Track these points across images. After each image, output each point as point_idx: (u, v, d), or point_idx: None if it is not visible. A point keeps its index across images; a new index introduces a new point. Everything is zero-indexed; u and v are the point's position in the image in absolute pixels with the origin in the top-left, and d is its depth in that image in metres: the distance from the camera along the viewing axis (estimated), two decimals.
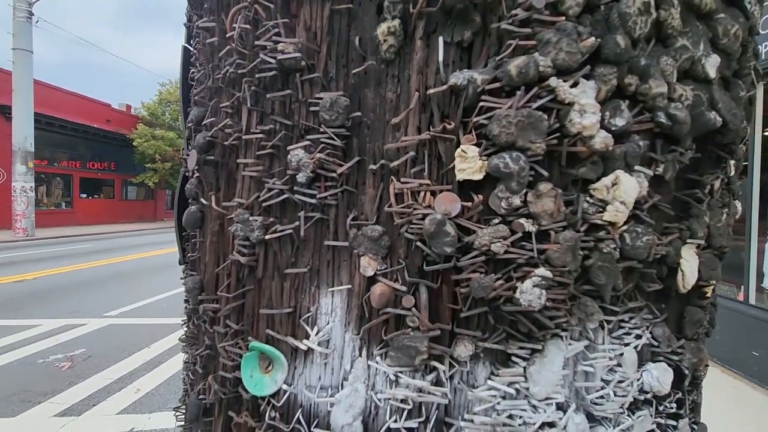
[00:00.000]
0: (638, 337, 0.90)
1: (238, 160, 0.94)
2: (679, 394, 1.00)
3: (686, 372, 0.98)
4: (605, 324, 0.88)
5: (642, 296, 0.91)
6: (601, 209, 0.81)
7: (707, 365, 1.06)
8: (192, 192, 1.10)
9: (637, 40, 0.79)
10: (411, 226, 0.79)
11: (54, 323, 6.34)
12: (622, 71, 0.80)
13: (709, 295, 1.05)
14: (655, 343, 0.94)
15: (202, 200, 1.07)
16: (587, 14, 0.79)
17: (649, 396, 0.93)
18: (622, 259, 0.84)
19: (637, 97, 0.83)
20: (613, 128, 0.80)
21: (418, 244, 0.79)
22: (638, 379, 0.92)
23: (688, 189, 0.96)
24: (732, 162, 1.05)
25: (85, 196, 25.38)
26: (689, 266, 0.93)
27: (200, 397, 1.06)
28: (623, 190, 0.79)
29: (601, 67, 0.79)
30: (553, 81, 0.74)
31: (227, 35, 0.94)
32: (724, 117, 0.88)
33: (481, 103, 0.77)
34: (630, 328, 0.89)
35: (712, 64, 0.86)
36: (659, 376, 0.92)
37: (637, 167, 0.82)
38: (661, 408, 0.96)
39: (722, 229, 0.99)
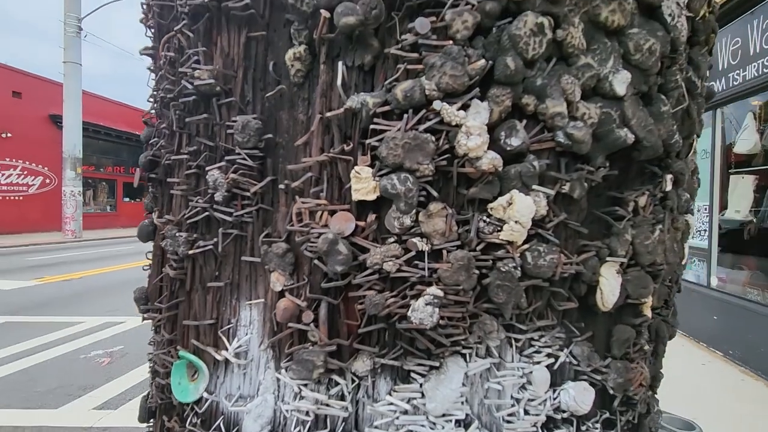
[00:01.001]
0: (550, 355, 0.90)
1: (168, 179, 1.01)
2: (607, 414, 0.98)
3: (612, 392, 0.96)
4: (513, 342, 0.88)
5: (555, 315, 0.90)
6: (498, 228, 0.81)
7: (644, 385, 1.04)
8: (147, 206, 1.18)
9: (533, 60, 0.80)
10: (309, 244, 0.83)
11: (95, 321, 6.77)
12: (517, 92, 0.80)
13: (645, 313, 1.03)
14: (575, 362, 0.93)
15: (153, 215, 1.14)
16: (481, 36, 0.80)
17: (566, 415, 0.92)
18: (526, 278, 0.84)
19: (538, 116, 0.83)
20: (509, 148, 0.80)
21: (316, 262, 0.83)
22: (554, 398, 0.91)
23: (611, 206, 0.95)
24: (668, 176, 1.02)
25: (128, 199, 26.82)
26: (608, 285, 0.91)
27: (148, 401, 1.13)
28: (517, 209, 0.79)
29: (494, 89, 0.79)
30: (437, 104, 0.76)
31: (161, 61, 1.01)
32: (637, 134, 0.87)
33: (373, 126, 0.79)
34: (540, 347, 0.89)
35: (620, 81, 0.85)
36: (576, 396, 0.91)
37: (534, 187, 0.82)
38: (584, 428, 0.95)
39: (651, 246, 0.96)
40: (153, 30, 1.11)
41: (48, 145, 21.43)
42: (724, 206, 5.91)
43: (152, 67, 1.22)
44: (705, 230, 6.07)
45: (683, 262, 1.25)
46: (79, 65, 18.29)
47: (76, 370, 4.98)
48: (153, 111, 1.08)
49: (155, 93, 1.15)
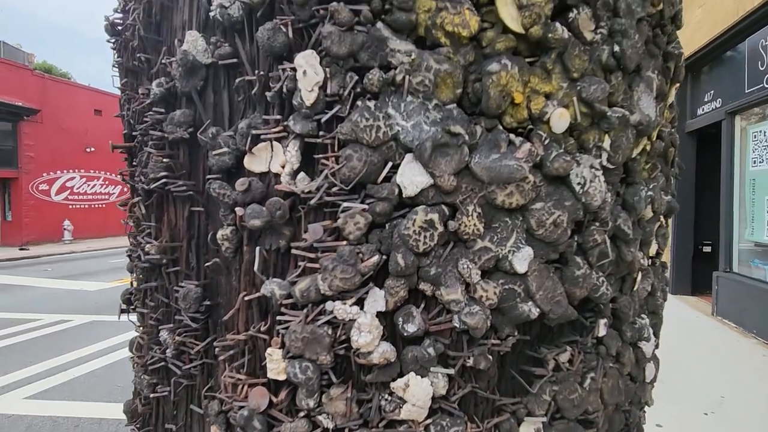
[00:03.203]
0: None
1: (136, 324, 1.16)
2: None
3: None
4: None
5: None
6: (400, 405, 0.87)
7: None
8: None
9: (426, 252, 0.84)
10: (232, 413, 0.93)
11: None
12: (412, 281, 0.85)
13: None
14: None
15: None
16: (377, 229, 0.86)
17: None
18: None
19: (437, 300, 0.87)
20: (406, 334, 0.85)
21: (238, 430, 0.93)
22: None
23: (533, 365, 0.96)
24: (602, 321, 1.01)
25: None
26: None
27: None
28: (412, 393, 0.84)
29: (389, 280, 0.85)
30: (329, 305, 0.83)
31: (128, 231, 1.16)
32: (542, 307, 0.88)
33: (279, 317, 0.88)
34: None
35: (522, 258, 0.86)
36: None
37: (432, 369, 0.86)
38: None
39: (578, 400, 0.97)
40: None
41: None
42: None
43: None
44: None
45: (650, 380, 1.22)
46: None
47: None
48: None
49: (128, 251, 1.29)
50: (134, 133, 1.11)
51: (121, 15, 1.13)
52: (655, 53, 1.04)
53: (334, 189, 0.84)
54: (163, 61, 1.02)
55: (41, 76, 21.12)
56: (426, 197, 0.84)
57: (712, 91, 8.70)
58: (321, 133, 0.86)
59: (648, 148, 1.06)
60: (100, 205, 23.55)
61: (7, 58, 20.17)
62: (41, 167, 20.94)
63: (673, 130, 1.19)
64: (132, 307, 1.20)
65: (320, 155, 0.86)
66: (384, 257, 0.84)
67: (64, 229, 21.27)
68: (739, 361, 5.52)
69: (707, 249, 9.73)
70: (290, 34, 0.86)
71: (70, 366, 6.33)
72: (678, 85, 1.19)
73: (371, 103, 0.84)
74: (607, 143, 0.94)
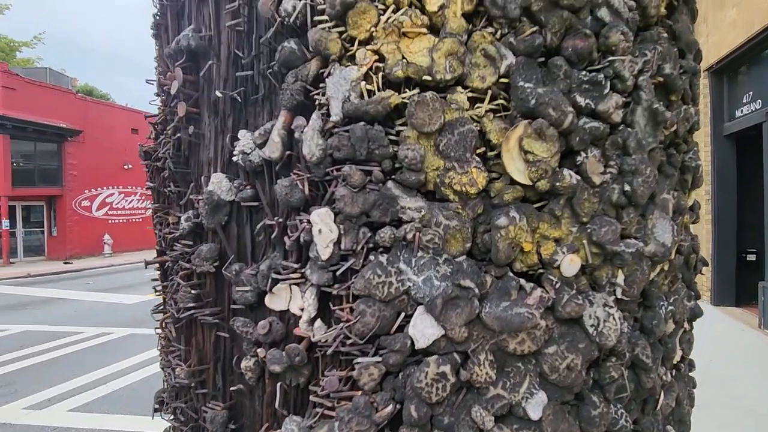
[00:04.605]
0: None
1: None
2: None
3: None
4: None
5: None
6: None
7: None
8: None
9: (439, 402, 0.86)
10: None
11: None
12: (425, 430, 0.88)
13: None
14: None
15: None
16: (391, 376, 0.89)
17: None
18: None
19: None
20: None
21: None
22: None
23: None
24: None
25: None
26: None
27: None
28: None
29: (404, 428, 0.87)
30: None
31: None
32: None
33: None
34: None
35: (535, 405, 0.88)
36: None
37: None
38: None
39: None
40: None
41: None
42: None
43: None
44: None
45: None
46: None
47: None
48: None
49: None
50: (165, 256, 1.18)
51: (153, 144, 1.21)
52: (671, 173, 1.03)
53: (349, 341, 0.87)
54: (191, 196, 1.08)
55: (83, 99, 22.31)
56: (438, 347, 0.87)
57: (751, 92, 8.32)
58: (336, 285, 0.90)
59: (666, 266, 1.05)
60: (137, 220, 24.58)
61: (52, 83, 21.40)
62: (83, 185, 22.07)
63: (693, 239, 1.17)
64: (165, 408, 1.28)
65: (336, 307, 0.90)
66: (398, 405, 0.87)
67: (104, 243, 22.32)
68: None
69: (751, 257, 9.27)
70: (306, 191, 0.91)
71: (110, 379, 6.66)
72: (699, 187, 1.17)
73: (383, 258, 0.87)
74: (620, 278, 0.94)
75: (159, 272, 1.25)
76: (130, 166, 23.68)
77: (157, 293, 1.23)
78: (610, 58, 0.91)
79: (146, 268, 1.25)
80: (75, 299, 12.88)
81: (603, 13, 0.90)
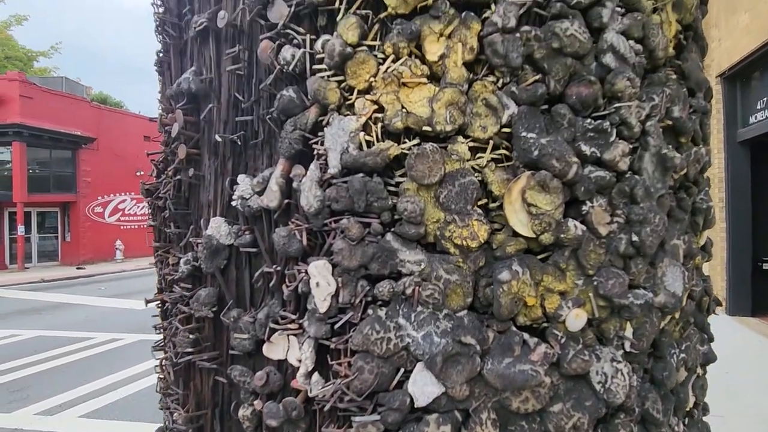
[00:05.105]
0: None
1: None
2: None
3: None
4: None
5: None
6: None
7: None
8: None
9: None
10: None
11: None
12: None
13: None
14: None
15: None
16: None
17: None
18: None
19: None
20: None
21: None
22: None
23: None
24: None
25: None
26: None
27: None
28: None
29: None
30: None
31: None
32: None
33: None
34: None
35: None
36: None
37: None
38: None
39: None
40: None
41: None
42: None
43: None
44: None
45: None
46: None
47: None
48: None
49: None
50: (164, 295, 1.17)
51: (155, 181, 1.21)
52: (681, 218, 1.00)
53: (347, 398, 0.85)
54: (190, 239, 1.07)
55: (97, 107, 22.70)
56: (438, 405, 0.84)
57: (765, 98, 8.16)
58: (334, 339, 0.88)
59: (677, 313, 1.02)
60: (148, 225, 24.83)
61: (68, 92, 21.81)
62: (96, 191, 22.40)
63: (705, 280, 1.13)
64: None
65: (334, 361, 0.88)
66: None
67: (116, 248, 22.60)
68: None
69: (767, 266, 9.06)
70: (304, 242, 0.89)
71: (120, 385, 6.70)
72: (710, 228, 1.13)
73: (382, 312, 0.85)
74: (629, 331, 0.91)
75: (159, 311, 1.24)
76: (142, 172, 23.96)
77: (157, 332, 1.22)
78: (617, 104, 0.88)
79: (146, 306, 1.24)
80: (87, 305, 13.04)
81: (608, 59, 0.88)
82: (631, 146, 0.90)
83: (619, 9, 0.90)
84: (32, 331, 9.97)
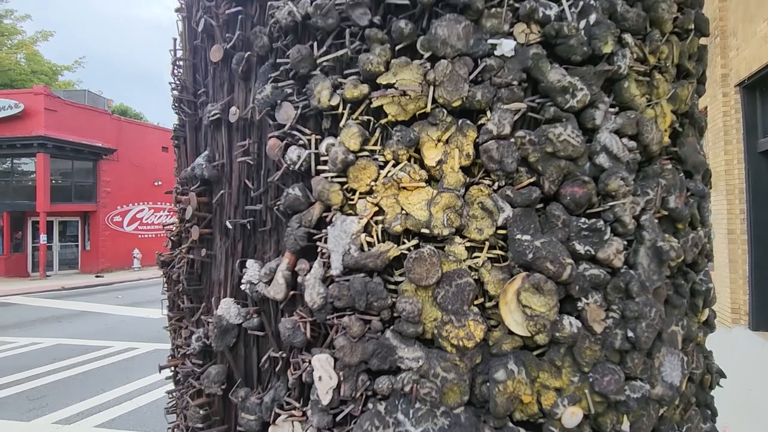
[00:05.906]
0: None
1: None
2: None
3: None
4: None
5: None
6: None
7: None
8: None
9: None
10: None
11: None
12: None
13: None
14: None
15: None
16: None
17: None
18: None
19: None
20: None
21: None
22: None
23: None
24: None
25: None
26: None
27: None
28: None
29: None
30: None
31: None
32: None
33: None
34: None
35: None
36: None
37: None
38: None
39: None
40: None
41: None
42: None
43: None
44: None
45: None
46: None
47: None
48: None
49: None
50: (176, 361, 1.22)
51: (169, 253, 1.27)
52: (679, 304, 1.01)
53: None
54: (202, 316, 1.13)
55: (118, 119, 23.31)
56: None
57: None
58: (336, 430, 0.91)
59: (677, 399, 1.02)
60: (166, 234, 25.30)
61: (90, 105, 22.47)
62: (116, 201, 22.93)
63: (707, 357, 1.13)
64: None
65: None
66: None
67: (134, 257, 23.06)
68: None
69: None
70: (308, 335, 0.93)
71: (136, 395, 6.81)
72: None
73: (381, 407, 0.88)
74: (626, 425, 0.92)
75: (172, 375, 1.30)
76: (159, 182, 24.49)
77: (169, 397, 1.28)
78: (611, 203, 0.90)
79: (160, 372, 1.29)
80: (105, 313, 13.32)
81: (602, 159, 0.90)
82: (625, 242, 0.92)
83: (612, 109, 0.93)
84: (52, 339, 10.21)
